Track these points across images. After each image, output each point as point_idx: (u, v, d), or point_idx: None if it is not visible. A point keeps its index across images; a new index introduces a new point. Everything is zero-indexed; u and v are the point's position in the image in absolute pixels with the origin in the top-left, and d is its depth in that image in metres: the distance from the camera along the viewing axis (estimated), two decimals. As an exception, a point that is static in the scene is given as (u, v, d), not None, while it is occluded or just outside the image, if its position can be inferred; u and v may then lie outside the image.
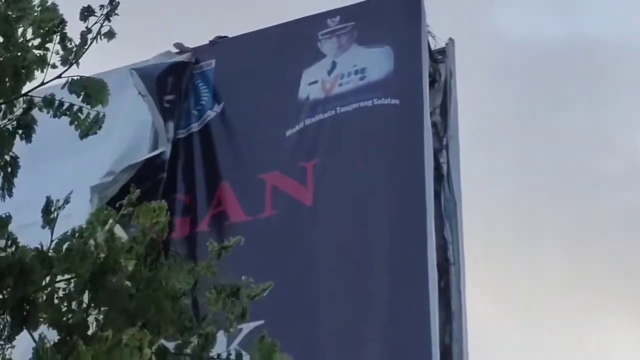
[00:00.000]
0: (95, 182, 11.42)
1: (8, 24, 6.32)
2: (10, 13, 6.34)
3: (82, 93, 6.32)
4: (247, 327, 7.29)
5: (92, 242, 6.05)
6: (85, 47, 6.29)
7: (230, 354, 6.29)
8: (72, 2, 6.65)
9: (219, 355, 6.26)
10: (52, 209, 6.17)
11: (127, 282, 6.13)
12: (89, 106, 6.26)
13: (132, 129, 12.61)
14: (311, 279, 11.06)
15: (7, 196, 6.47)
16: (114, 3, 6.15)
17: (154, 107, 12.45)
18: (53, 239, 6.08)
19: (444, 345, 11.24)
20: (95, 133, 6.35)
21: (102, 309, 6.10)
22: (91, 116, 6.30)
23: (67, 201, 6.22)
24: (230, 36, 13.16)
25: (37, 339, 5.76)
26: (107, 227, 6.20)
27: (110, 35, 6.23)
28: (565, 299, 22.86)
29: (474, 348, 11.86)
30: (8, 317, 5.97)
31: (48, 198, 6.12)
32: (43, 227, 6.19)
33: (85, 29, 6.15)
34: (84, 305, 6.08)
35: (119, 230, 6.81)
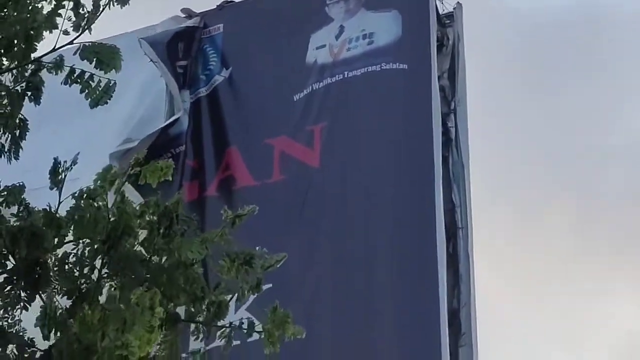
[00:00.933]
0: (112, 150, 11.44)
1: None
2: None
3: (95, 59, 6.47)
4: (255, 290, 7.72)
5: (102, 204, 6.22)
6: (98, 13, 6.43)
7: (242, 323, 6.51)
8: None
9: (230, 323, 6.58)
10: (60, 171, 6.30)
11: (140, 248, 6.29)
12: (101, 72, 6.42)
13: (148, 97, 12.81)
14: (319, 242, 11.15)
15: (13, 159, 6.78)
16: None
17: (168, 74, 12.48)
18: (61, 200, 6.17)
19: (452, 309, 11.23)
20: (106, 103, 6.62)
21: (114, 275, 6.27)
22: (102, 84, 6.50)
23: (74, 162, 6.25)
24: (237, 0, 13.21)
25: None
26: (114, 187, 6.34)
27: (123, 1, 6.41)
28: (569, 268, 22.88)
29: (479, 314, 11.95)
30: (22, 282, 6.14)
31: (55, 159, 6.27)
32: (51, 189, 6.32)
33: None
34: (96, 270, 6.28)
35: (131, 193, 7.13)
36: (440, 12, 11.99)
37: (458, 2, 12.18)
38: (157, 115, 12.70)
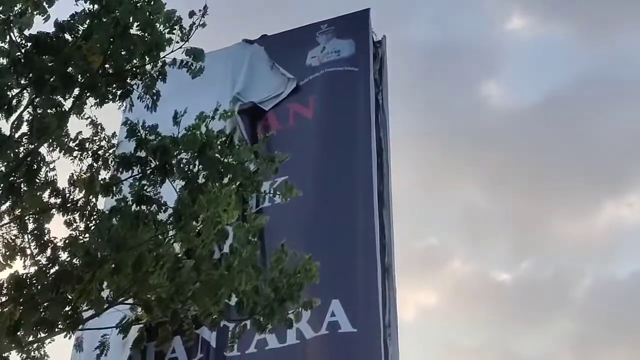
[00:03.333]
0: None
1: (148, 20, 8.06)
2: (149, 14, 8.03)
3: (192, 55, 8.27)
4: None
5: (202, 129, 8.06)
6: (192, 32, 8.28)
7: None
8: (178, 4, 8.42)
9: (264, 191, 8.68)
10: (178, 120, 8.06)
11: (217, 155, 8.11)
12: (199, 62, 8.26)
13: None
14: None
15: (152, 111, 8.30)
16: (205, 8, 8.22)
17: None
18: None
19: (384, 266, 13.47)
20: (199, 75, 8.30)
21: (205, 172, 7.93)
22: (197, 68, 8.34)
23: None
24: (271, 34, 17.36)
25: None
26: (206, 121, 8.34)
27: (204, 25, 8.23)
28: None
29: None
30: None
31: (176, 111, 8.12)
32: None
33: (192, 24, 8.27)
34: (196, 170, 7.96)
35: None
36: (374, 39, 16.22)
37: (384, 35, 16.41)
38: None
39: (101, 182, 8.25)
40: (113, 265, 7.36)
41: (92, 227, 8.00)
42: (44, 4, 7.90)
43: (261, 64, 16.64)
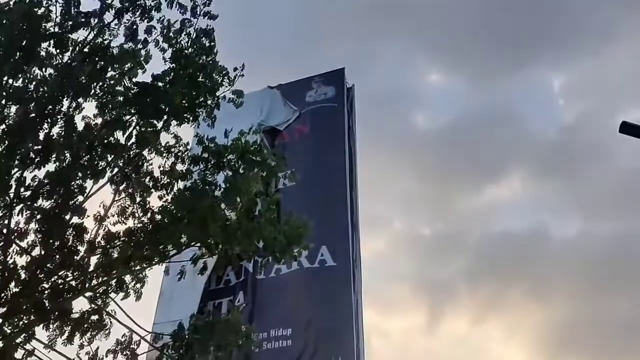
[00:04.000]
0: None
1: (209, 73, 7.97)
2: (209, 69, 7.92)
3: (236, 94, 8.13)
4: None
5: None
6: (235, 80, 8.13)
7: None
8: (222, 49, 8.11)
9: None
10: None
11: (251, 156, 8.07)
12: (240, 99, 8.10)
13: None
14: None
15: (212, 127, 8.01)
16: (243, 66, 8.03)
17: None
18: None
19: (353, 225, 13.39)
20: (240, 107, 8.09)
21: None
22: (239, 103, 8.17)
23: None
24: (286, 84, 16.72)
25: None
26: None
27: (242, 76, 8.13)
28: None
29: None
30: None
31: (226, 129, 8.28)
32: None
33: (235, 75, 8.07)
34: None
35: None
36: (347, 86, 15.96)
37: (353, 84, 16.07)
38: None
39: (180, 172, 8.25)
40: (187, 221, 7.45)
41: (173, 198, 7.98)
42: (143, 63, 7.88)
43: (278, 101, 16.32)
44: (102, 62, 7.51)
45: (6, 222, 7.18)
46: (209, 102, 7.87)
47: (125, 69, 7.68)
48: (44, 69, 7.36)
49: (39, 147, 7.03)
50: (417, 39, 28.81)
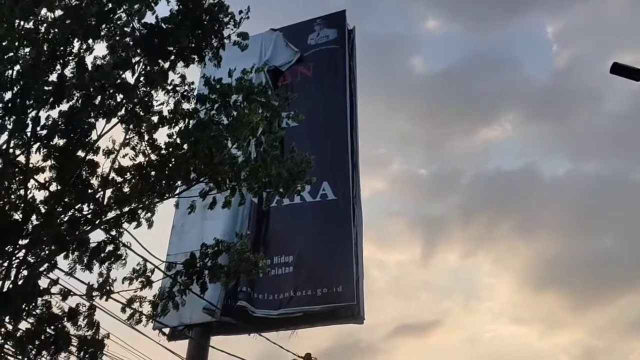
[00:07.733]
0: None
1: (216, 15, 7.72)
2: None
3: (241, 36, 7.96)
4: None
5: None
6: (240, 22, 7.91)
7: None
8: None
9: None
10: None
11: (255, 96, 7.86)
12: (245, 41, 7.93)
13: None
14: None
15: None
16: (248, 8, 7.84)
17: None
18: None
19: (354, 163, 13.31)
20: (245, 49, 7.90)
21: None
22: (244, 45, 7.97)
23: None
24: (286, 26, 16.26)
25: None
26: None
27: (248, 18, 7.87)
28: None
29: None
30: None
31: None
32: None
33: (241, 17, 7.87)
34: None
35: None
36: (349, 29, 15.71)
37: (354, 26, 15.83)
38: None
39: (186, 110, 8.14)
40: (193, 153, 7.46)
41: (180, 132, 7.97)
42: (152, 4, 7.60)
43: (280, 43, 15.91)
44: (110, 4, 7.29)
45: (24, 159, 7.20)
46: (214, 43, 7.74)
47: (134, 10, 7.44)
48: (53, 11, 7.14)
49: (52, 87, 6.91)
50: (415, -15, 27.29)
